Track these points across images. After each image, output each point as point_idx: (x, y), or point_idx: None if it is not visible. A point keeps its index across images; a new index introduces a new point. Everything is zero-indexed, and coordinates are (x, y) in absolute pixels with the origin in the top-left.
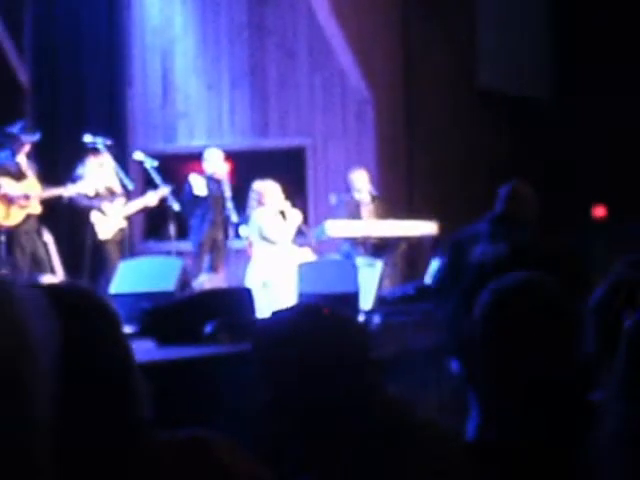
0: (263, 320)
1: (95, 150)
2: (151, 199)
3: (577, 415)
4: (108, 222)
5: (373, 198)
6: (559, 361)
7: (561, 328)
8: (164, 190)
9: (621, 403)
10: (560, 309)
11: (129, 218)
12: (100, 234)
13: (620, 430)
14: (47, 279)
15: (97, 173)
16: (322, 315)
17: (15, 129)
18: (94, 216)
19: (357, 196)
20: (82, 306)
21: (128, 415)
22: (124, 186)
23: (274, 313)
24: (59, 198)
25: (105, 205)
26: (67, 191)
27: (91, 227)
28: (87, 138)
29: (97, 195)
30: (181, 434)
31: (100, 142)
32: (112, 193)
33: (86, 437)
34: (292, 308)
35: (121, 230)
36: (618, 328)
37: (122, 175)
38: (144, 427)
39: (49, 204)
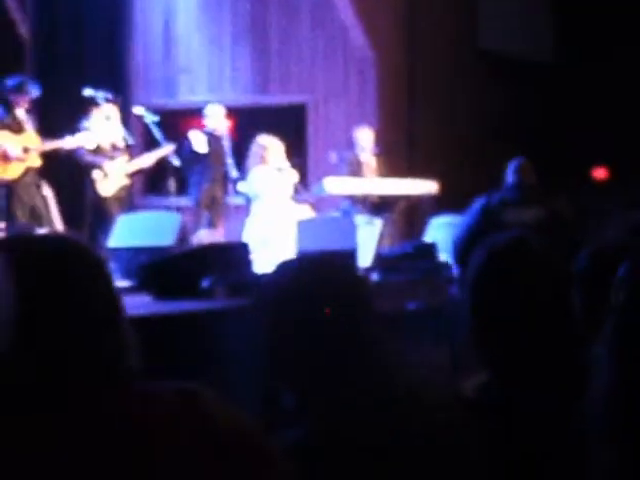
0: (266, 274)
1: (95, 103)
2: (155, 156)
3: (571, 376)
4: (110, 180)
5: (376, 156)
6: (553, 322)
7: (553, 288)
8: (168, 148)
9: (611, 363)
10: (553, 269)
11: (132, 175)
12: (101, 191)
13: (609, 391)
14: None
15: (102, 126)
16: (324, 268)
17: (14, 82)
18: (96, 174)
19: (360, 154)
20: (53, 255)
21: (115, 364)
22: (125, 141)
23: (277, 266)
24: (59, 151)
25: (107, 163)
26: (66, 143)
27: (92, 183)
28: (87, 91)
29: (100, 150)
30: (170, 385)
31: (101, 96)
32: (115, 148)
33: (70, 384)
34: (294, 261)
35: (123, 188)
36: (603, 296)
37: (123, 129)
38: (131, 377)
39: (49, 157)
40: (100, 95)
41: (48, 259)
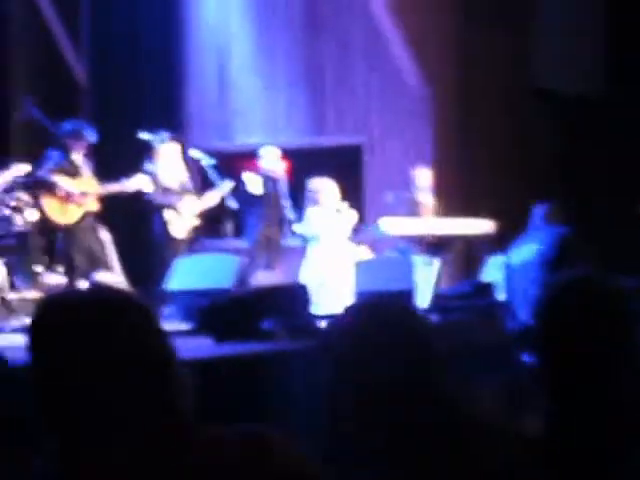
0: (329, 317)
1: (151, 147)
2: (219, 195)
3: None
4: (181, 220)
5: (433, 196)
6: (614, 359)
7: (614, 325)
8: (228, 185)
9: None
10: (613, 306)
11: (201, 215)
12: (174, 232)
13: None
14: (102, 277)
15: (167, 167)
16: (385, 311)
17: (71, 127)
18: (168, 214)
19: (418, 194)
20: (95, 310)
21: (169, 406)
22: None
23: (341, 312)
24: (118, 195)
25: (179, 203)
26: (124, 187)
27: (164, 225)
28: (143, 135)
29: (169, 191)
30: (236, 429)
31: (158, 138)
32: (183, 188)
33: (129, 428)
34: (357, 306)
35: (195, 229)
36: None
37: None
38: (187, 418)
39: (107, 202)
40: (157, 138)
41: (88, 315)
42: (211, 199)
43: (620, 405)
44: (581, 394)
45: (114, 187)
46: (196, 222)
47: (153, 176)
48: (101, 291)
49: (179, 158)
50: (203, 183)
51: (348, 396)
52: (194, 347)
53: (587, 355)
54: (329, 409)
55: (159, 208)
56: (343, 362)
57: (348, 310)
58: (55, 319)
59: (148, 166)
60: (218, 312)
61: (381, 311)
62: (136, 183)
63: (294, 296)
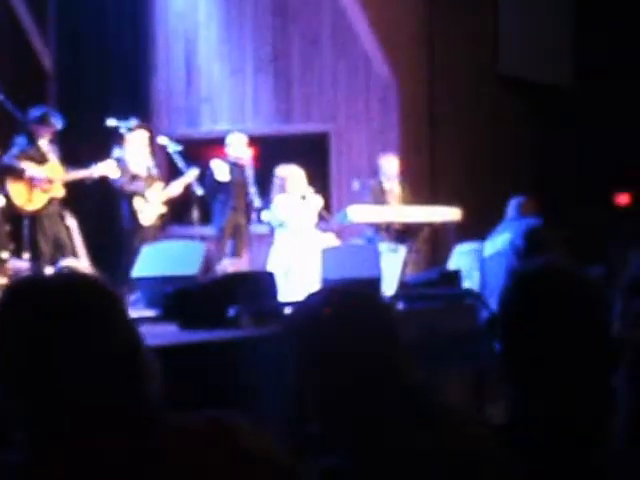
0: (294, 304)
1: (119, 134)
2: (183, 183)
3: (601, 399)
4: (149, 207)
5: (400, 184)
6: (576, 345)
7: (577, 313)
8: (193, 173)
9: (630, 392)
10: (577, 294)
11: (168, 203)
12: (142, 220)
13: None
14: (69, 263)
15: (136, 154)
16: (350, 298)
17: (37, 114)
18: (136, 201)
19: (384, 182)
20: (62, 294)
21: (136, 392)
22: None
23: (305, 297)
24: (84, 181)
25: (148, 191)
26: (90, 173)
27: (133, 212)
28: (110, 122)
29: (137, 178)
30: (202, 415)
31: (126, 125)
32: (151, 175)
33: (96, 414)
34: (321, 292)
35: (162, 216)
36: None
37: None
38: (153, 405)
39: (73, 188)
40: (125, 125)
41: (56, 299)
42: (178, 186)
43: (583, 391)
44: (542, 381)
45: (80, 173)
46: (163, 209)
47: (121, 163)
48: (68, 276)
49: (147, 145)
50: (170, 170)
51: (313, 382)
52: (160, 334)
53: (549, 342)
54: (295, 395)
55: (127, 195)
56: (306, 348)
57: (312, 297)
58: (21, 304)
59: (116, 153)
60: (184, 299)
61: (345, 298)
62: (103, 169)
63: (260, 283)
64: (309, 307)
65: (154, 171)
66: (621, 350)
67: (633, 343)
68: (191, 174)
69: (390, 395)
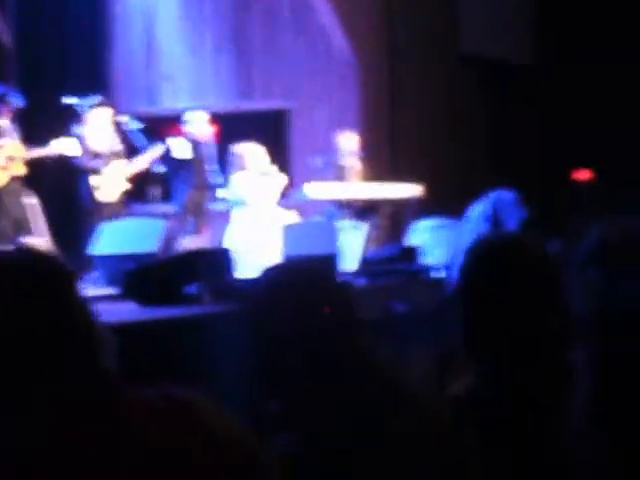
0: (250, 280)
1: (76, 112)
2: (150, 158)
3: (559, 375)
4: (111, 185)
5: (360, 161)
6: (543, 320)
7: (540, 286)
8: (160, 148)
9: (590, 368)
10: (540, 268)
11: (132, 179)
12: (102, 197)
13: (588, 394)
14: (30, 241)
15: (96, 131)
16: (303, 274)
17: None
18: (95, 179)
19: (343, 159)
20: (17, 271)
21: (92, 369)
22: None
23: (261, 273)
24: (45, 159)
25: (106, 168)
26: (50, 150)
27: (90, 190)
28: (67, 100)
29: (98, 155)
30: (162, 392)
31: (85, 103)
32: (113, 153)
33: (52, 391)
34: (276, 267)
35: (125, 193)
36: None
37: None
38: (110, 380)
39: (34, 166)
40: (85, 102)
41: (7, 277)
42: (141, 163)
43: (542, 365)
44: (502, 355)
45: (40, 151)
46: (127, 186)
47: (81, 140)
48: (20, 254)
49: (109, 123)
50: (130, 148)
51: (272, 361)
52: (119, 311)
53: (506, 314)
54: (255, 373)
55: (86, 172)
56: (261, 325)
57: (266, 272)
58: None
59: (76, 130)
60: (143, 277)
61: (296, 273)
62: (62, 147)
63: (217, 260)
64: (263, 282)
65: (118, 148)
66: (576, 326)
67: (588, 316)
68: (157, 150)
69: (350, 373)
